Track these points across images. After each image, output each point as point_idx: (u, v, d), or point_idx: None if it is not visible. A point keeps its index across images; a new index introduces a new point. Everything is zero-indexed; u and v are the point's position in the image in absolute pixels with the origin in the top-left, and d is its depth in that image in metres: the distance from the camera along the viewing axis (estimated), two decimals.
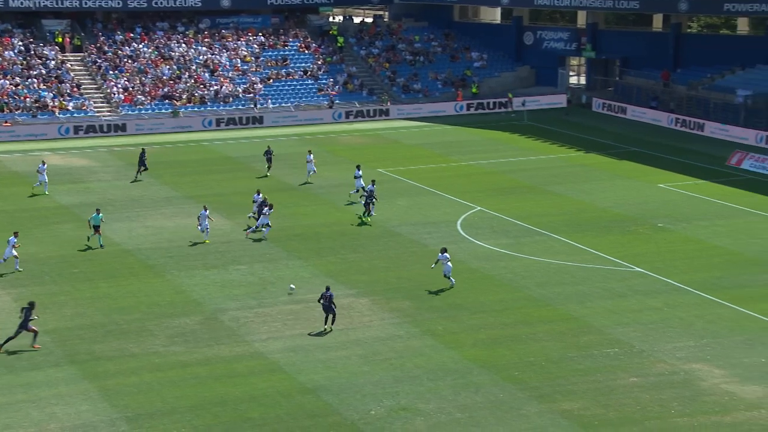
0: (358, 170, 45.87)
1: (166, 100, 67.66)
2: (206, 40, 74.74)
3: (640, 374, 26.77)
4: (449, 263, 33.49)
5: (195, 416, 24.74)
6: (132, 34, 73.60)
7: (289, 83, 72.41)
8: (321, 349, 29.09)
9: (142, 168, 50.35)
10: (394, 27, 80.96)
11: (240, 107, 68.41)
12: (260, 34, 76.84)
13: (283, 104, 70.05)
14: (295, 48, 76.37)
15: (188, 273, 35.76)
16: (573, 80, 78.70)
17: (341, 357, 28.45)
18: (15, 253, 35.39)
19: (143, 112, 66.40)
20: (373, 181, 43.16)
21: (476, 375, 27.03)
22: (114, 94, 67.49)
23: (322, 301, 30.02)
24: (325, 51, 76.51)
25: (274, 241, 40.02)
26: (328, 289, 30.25)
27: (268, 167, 51.12)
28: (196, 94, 68.61)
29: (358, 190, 45.21)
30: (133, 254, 37.86)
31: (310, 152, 50.70)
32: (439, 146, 59.94)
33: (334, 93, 71.61)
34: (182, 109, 66.93)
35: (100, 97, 67.74)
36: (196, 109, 67.58)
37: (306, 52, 76.14)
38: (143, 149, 51.77)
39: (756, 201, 45.28)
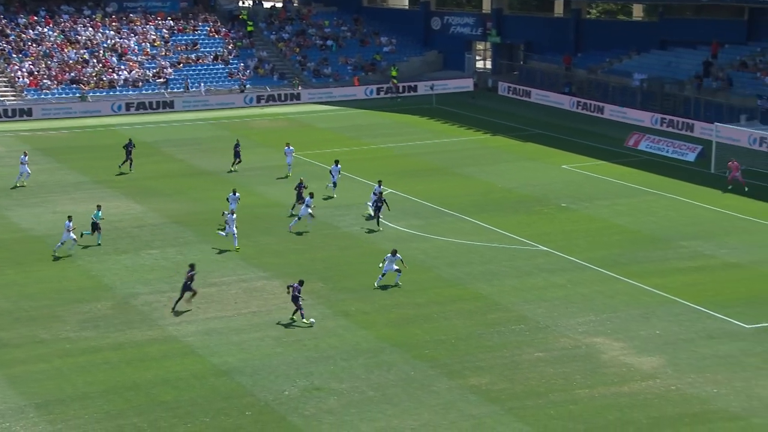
0: (336, 165, 43.30)
1: (73, 85, 65.90)
2: (114, 24, 73.00)
3: (544, 349, 27.38)
4: (394, 266, 31.90)
5: (107, 401, 24.37)
6: (36, 17, 71.42)
7: (199, 68, 71.31)
8: (234, 331, 28.93)
9: (129, 160, 47.39)
10: (304, 12, 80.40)
11: (147, 92, 67.06)
12: (169, 18, 75.42)
13: (199, 89, 68.97)
14: (204, 32, 75.22)
15: (99, 258, 35.05)
16: (479, 64, 79.45)
17: (255, 339, 28.31)
18: (73, 236, 34.74)
19: (49, 96, 64.57)
20: (380, 182, 40.13)
21: (388, 354, 27.25)
22: (18, 78, 65.40)
23: (293, 293, 28.91)
24: (235, 36, 75.57)
25: (187, 225, 39.51)
26: (301, 283, 29.30)
27: (235, 162, 48.04)
28: (104, 78, 67.01)
29: (336, 185, 43.02)
30: (42, 240, 36.93)
31: (288, 145, 47.41)
32: (350, 130, 59.90)
33: (245, 78, 70.85)
34: (90, 94, 65.32)
35: (4, 82, 65.56)
36: (104, 93, 66.04)
37: (216, 36, 75.07)
38: (130, 139, 48.69)
39: (652, 180, 46.57)
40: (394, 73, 73.33)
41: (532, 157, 51.50)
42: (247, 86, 70.15)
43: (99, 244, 36.33)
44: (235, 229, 35.73)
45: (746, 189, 43.76)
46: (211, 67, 71.75)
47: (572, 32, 72.07)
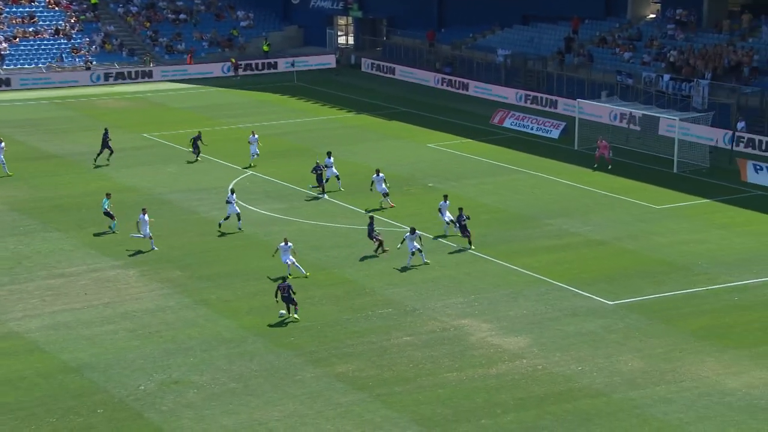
0: (329, 158, 41.28)
1: None
2: None
3: (412, 333, 27.71)
4: (415, 244, 31.93)
5: None
6: None
7: (38, 42, 68.49)
8: (85, 325, 28.08)
9: (108, 150, 44.41)
10: None
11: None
12: None
13: (35, 65, 66.26)
14: (42, 4, 72.25)
15: None
16: (342, 40, 79.48)
17: (108, 332, 27.59)
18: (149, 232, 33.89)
19: None
20: (461, 209, 34.76)
21: (251, 343, 27.03)
22: None
23: (281, 293, 28.09)
24: (77, 8, 72.94)
25: (29, 212, 38.02)
26: (284, 279, 28.64)
27: (196, 153, 45.47)
28: None
29: (328, 179, 40.94)
30: None
31: (253, 133, 45.71)
32: (207, 109, 58.96)
33: (90, 54, 68.55)
34: None
35: None
36: None
37: (56, 9, 72.25)
38: (106, 129, 45.57)
39: (517, 158, 47.73)
40: (266, 48, 72.50)
41: (397, 136, 51.92)
42: (93, 63, 67.90)
43: (114, 232, 35.55)
44: (291, 258, 31.68)
45: (610, 167, 45.47)
46: (52, 42, 69.03)
47: (435, 6, 72.85)
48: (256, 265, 32.69)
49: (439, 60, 68.17)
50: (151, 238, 34.12)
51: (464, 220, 34.06)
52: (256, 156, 45.32)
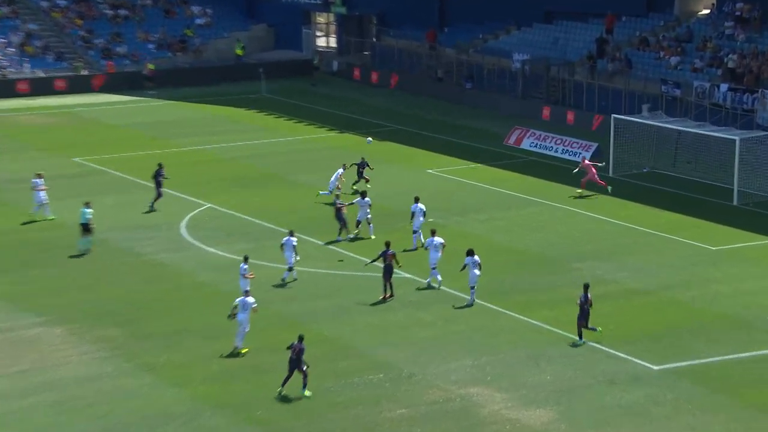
0: (364, 198, 40.82)
1: None
2: None
3: (409, 404, 27.58)
4: (476, 271, 33.52)
5: None
6: None
7: None
8: None
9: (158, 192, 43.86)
10: None
11: None
12: None
13: None
14: None
15: None
16: (321, 42, 79.94)
17: (26, 407, 27.32)
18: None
19: None
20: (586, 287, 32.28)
21: (209, 417, 26.85)
22: None
23: (290, 355, 27.85)
24: None
25: None
26: (301, 339, 27.90)
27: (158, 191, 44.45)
28: None
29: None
30: None
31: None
32: (154, 127, 59.11)
33: (5, 58, 68.82)
34: None
35: None
36: None
37: None
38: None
39: (538, 187, 47.87)
40: (239, 52, 72.88)
41: (389, 160, 52.16)
42: (10, 70, 68.08)
43: (86, 250, 37.40)
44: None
45: (609, 189, 45.93)
46: None
47: (436, 1, 73.31)
48: (214, 320, 32.64)
49: (441, 66, 68.47)
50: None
51: (585, 303, 31.36)
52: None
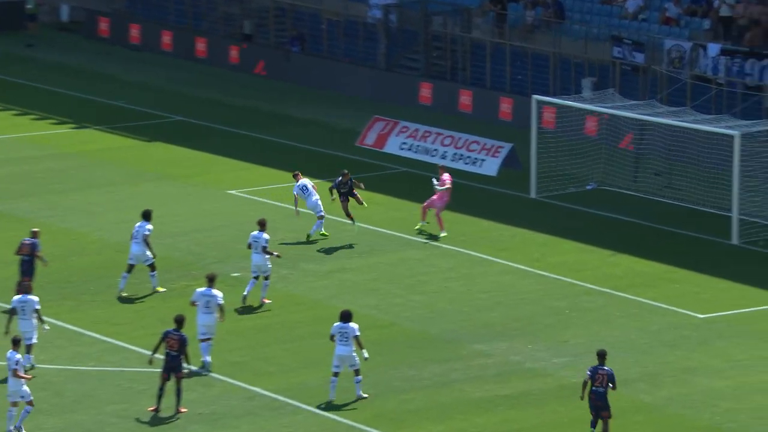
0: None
1: None
2: None
3: None
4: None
5: None
6: None
7: None
8: None
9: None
10: None
11: None
12: None
13: None
14: None
15: None
16: None
17: None
18: None
19: None
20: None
21: None
22: None
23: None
24: None
25: None
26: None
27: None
28: None
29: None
30: None
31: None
32: None
33: None
34: None
35: None
36: None
37: None
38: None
39: (412, 217, 47.69)
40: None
41: (166, 174, 52.74)
42: None
43: None
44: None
45: (443, 234, 46.37)
46: None
47: None
48: None
49: (249, 15, 68.80)
50: None
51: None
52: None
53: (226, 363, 36.99)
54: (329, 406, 34.56)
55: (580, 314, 40.39)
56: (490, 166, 53.04)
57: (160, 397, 33.80)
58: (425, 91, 61.68)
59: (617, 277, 43.07)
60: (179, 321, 34.99)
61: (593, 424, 32.30)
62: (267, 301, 40.98)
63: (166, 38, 70.18)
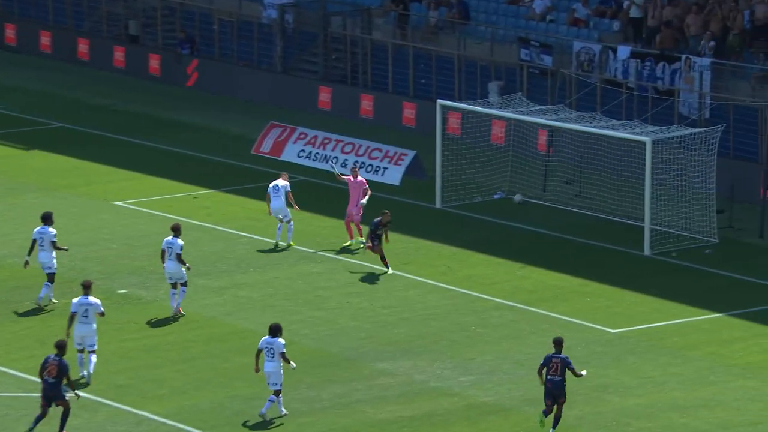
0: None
1: None
2: None
3: None
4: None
5: None
6: None
7: None
8: None
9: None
10: None
11: None
12: None
13: None
14: None
15: None
16: None
17: None
18: None
19: None
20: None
21: None
22: None
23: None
24: None
25: None
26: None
27: None
28: None
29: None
30: None
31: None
32: None
33: None
34: None
35: None
36: None
37: None
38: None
39: (307, 229, 47.70)
40: None
41: (45, 185, 52.60)
42: None
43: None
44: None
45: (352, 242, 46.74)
46: None
47: None
48: None
49: (135, 15, 68.56)
50: None
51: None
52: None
53: (111, 386, 36.84)
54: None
55: (489, 330, 40.54)
56: (393, 175, 53.07)
57: (38, 419, 33.38)
58: (324, 96, 61.57)
59: (527, 290, 43.34)
60: (60, 347, 34.39)
61: (546, 413, 33.62)
62: (182, 312, 40.98)
63: (45, 39, 69.72)
